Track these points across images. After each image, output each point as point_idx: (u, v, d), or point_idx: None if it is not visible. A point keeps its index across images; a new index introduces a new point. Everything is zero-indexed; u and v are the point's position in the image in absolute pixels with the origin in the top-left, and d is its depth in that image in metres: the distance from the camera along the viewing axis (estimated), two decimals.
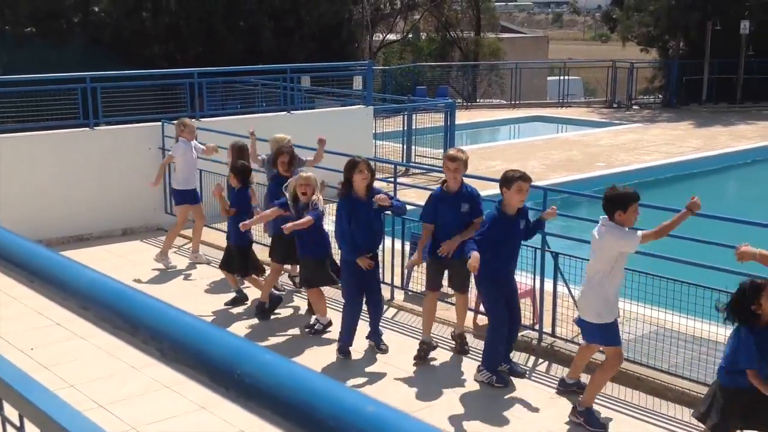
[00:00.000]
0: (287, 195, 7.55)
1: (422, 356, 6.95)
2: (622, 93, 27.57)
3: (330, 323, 7.63)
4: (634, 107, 26.99)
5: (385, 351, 7.14)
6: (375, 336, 7.19)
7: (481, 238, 6.20)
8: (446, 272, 7.06)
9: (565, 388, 6.28)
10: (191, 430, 5.64)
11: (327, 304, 7.75)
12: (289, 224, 7.24)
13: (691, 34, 27.55)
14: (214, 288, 8.90)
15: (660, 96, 28.83)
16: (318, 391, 0.78)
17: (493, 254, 6.15)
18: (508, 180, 6.30)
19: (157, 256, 9.72)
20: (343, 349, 7.02)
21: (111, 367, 6.54)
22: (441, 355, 7.11)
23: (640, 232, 5.64)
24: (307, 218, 7.17)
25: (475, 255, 6.04)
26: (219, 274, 8.83)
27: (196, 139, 10.07)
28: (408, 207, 7.85)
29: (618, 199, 5.64)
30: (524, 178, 6.30)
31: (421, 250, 6.92)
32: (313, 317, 7.83)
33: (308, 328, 7.69)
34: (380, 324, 7.33)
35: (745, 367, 4.84)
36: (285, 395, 0.77)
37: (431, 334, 7.12)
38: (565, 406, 6.12)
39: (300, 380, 0.78)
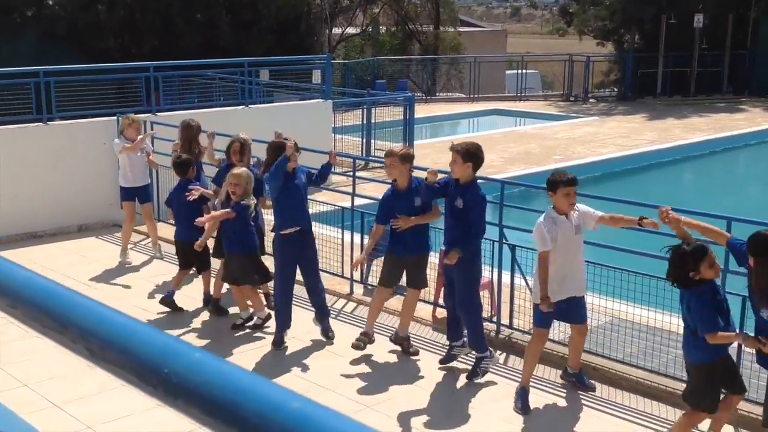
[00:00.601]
0: (221, 194, 7.50)
1: (359, 347, 6.93)
2: (578, 86, 27.85)
3: (269, 316, 7.55)
4: (591, 100, 27.29)
5: (331, 338, 7.19)
6: (321, 320, 7.24)
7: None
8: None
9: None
10: (148, 427, 5.60)
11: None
12: (205, 216, 7.23)
13: (646, 27, 27.92)
14: (165, 286, 8.79)
15: (616, 89, 29.19)
16: (245, 389, 0.78)
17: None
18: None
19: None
20: (276, 341, 7.12)
21: (66, 365, 6.45)
22: (388, 347, 7.12)
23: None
24: (225, 210, 7.13)
25: (455, 252, 6.13)
26: (173, 272, 8.68)
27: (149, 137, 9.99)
28: (368, 201, 7.87)
29: (549, 182, 6.01)
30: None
31: (368, 252, 7.15)
32: (241, 312, 7.67)
33: (242, 323, 7.55)
34: (332, 316, 7.38)
35: (706, 332, 4.85)
36: (212, 393, 0.77)
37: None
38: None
39: (227, 378, 0.78)
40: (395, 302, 7.54)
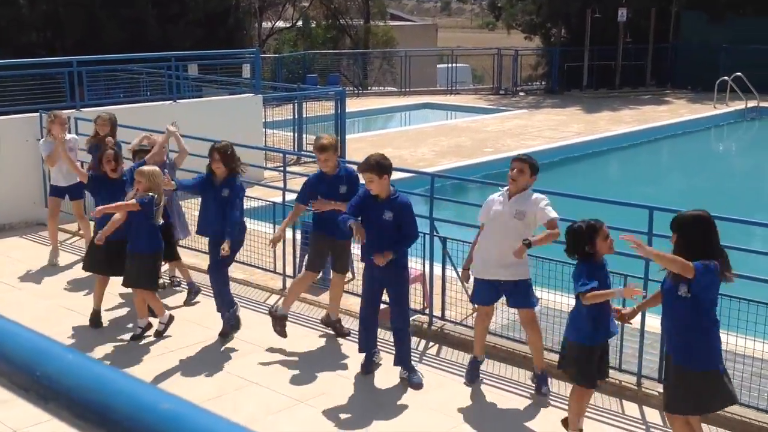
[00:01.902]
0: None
1: (277, 330, 7.00)
2: (508, 80, 28.22)
3: (171, 318, 7.36)
4: (521, 93, 27.68)
5: (233, 330, 7.15)
6: (225, 312, 7.20)
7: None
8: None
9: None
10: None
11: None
12: (108, 205, 7.09)
13: (572, 22, 28.46)
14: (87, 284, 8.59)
15: (544, 82, 29.67)
16: (117, 391, 0.78)
17: None
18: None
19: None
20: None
21: None
22: (318, 342, 7.13)
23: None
24: (129, 202, 7.02)
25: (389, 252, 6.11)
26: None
27: (68, 132, 9.72)
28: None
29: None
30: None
31: (283, 227, 7.22)
32: (139, 321, 7.38)
33: (141, 333, 7.29)
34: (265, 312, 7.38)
35: (580, 291, 5.13)
36: (84, 396, 0.77)
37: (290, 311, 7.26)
38: (454, 388, 6.25)
39: (100, 380, 0.78)
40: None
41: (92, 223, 8.39)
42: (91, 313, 7.51)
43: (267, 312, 7.27)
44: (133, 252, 7.13)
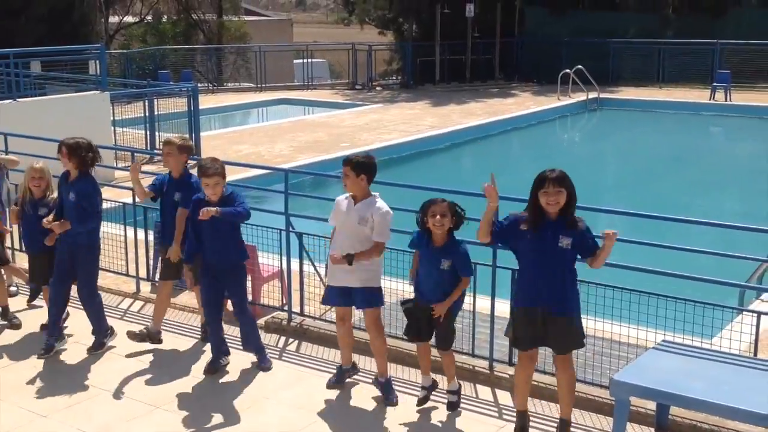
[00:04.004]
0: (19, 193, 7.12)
1: (138, 336, 6.88)
2: (363, 75, 28.50)
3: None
4: (377, 88, 28.02)
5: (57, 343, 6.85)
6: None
7: None
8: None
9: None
10: None
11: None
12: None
13: (423, 17, 29.06)
14: None
15: (398, 77, 30.16)
16: None
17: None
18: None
19: None
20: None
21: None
22: (171, 344, 7.03)
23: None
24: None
25: None
26: None
27: None
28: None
29: None
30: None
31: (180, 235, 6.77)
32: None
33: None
34: (118, 317, 7.15)
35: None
36: None
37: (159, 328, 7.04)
38: (313, 382, 6.28)
39: None
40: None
41: None
42: None
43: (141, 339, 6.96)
44: (38, 253, 7.17)
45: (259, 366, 6.52)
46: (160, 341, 6.96)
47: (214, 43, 34.44)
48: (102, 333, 6.87)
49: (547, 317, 5.10)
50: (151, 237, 8.35)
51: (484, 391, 6.08)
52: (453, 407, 5.81)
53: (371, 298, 5.91)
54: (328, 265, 6.05)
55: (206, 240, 6.24)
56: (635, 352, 5.85)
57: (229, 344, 6.70)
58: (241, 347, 6.64)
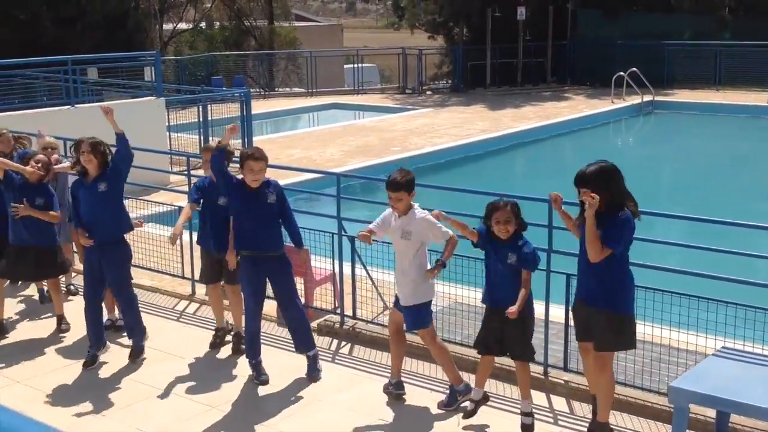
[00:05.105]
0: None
1: (218, 342, 6.98)
2: (414, 79, 28.49)
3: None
4: (427, 92, 27.99)
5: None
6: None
7: None
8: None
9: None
10: None
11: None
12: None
13: (473, 20, 28.94)
14: None
15: (449, 81, 30.07)
16: None
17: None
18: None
19: None
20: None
21: None
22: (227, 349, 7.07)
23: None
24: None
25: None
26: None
27: None
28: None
29: None
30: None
31: (178, 227, 6.75)
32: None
33: None
34: (175, 319, 7.22)
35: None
36: None
37: (226, 322, 7.13)
38: (366, 385, 6.29)
39: None
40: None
41: None
42: None
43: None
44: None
45: (308, 375, 6.41)
46: (229, 332, 7.05)
47: (266, 49, 34.79)
48: (140, 337, 6.86)
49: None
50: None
51: (539, 397, 6.01)
52: (527, 430, 5.57)
53: (417, 318, 5.81)
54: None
55: (250, 229, 6.16)
56: (694, 359, 5.73)
57: (280, 346, 6.74)
58: (294, 349, 6.63)
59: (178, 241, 6.79)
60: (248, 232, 6.19)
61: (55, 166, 7.77)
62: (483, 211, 5.61)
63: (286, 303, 6.47)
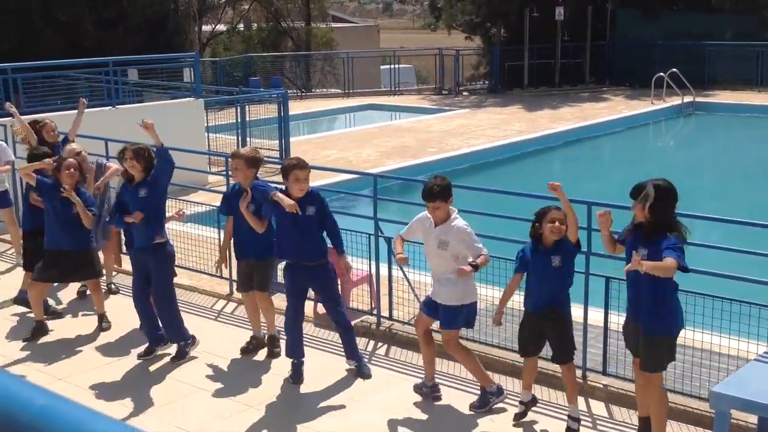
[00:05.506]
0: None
1: (250, 349, 6.99)
2: (450, 80, 28.42)
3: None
4: (464, 93, 27.90)
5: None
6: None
7: None
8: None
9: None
10: None
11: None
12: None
13: (511, 21, 28.77)
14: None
15: (486, 82, 29.94)
16: None
17: None
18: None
19: None
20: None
21: None
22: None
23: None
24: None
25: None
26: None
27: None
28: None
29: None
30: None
31: (224, 250, 7.12)
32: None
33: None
34: (213, 318, 7.26)
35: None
36: None
37: (262, 332, 7.09)
38: (402, 386, 6.29)
39: None
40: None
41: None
42: (36, 325, 7.41)
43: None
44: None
45: (358, 372, 6.50)
46: (265, 345, 7.03)
47: (303, 50, 34.95)
48: (184, 343, 6.92)
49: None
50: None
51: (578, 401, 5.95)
52: None
53: (450, 318, 5.83)
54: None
55: (293, 239, 6.22)
56: (736, 364, 5.64)
57: (316, 347, 6.77)
58: (344, 355, 6.65)
59: (216, 242, 6.84)
60: (291, 241, 6.25)
61: (108, 172, 8.01)
62: (520, 212, 5.61)
63: (329, 310, 6.57)
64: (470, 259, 5.62)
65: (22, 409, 0.78)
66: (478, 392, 5.98)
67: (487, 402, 5.88)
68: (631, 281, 5.08)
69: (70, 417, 0.77)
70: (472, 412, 5.86)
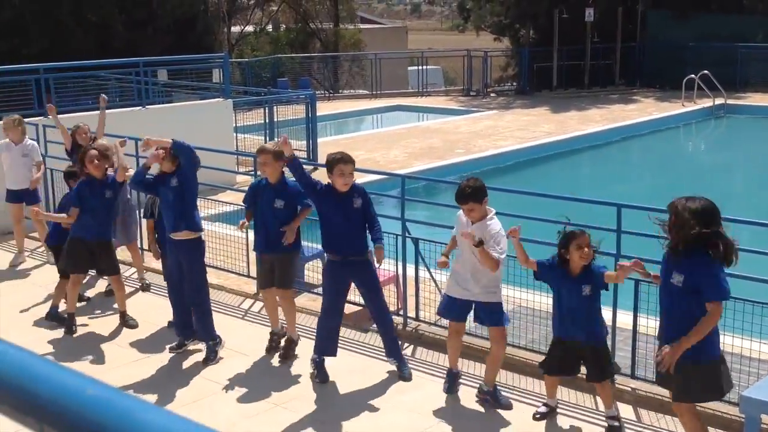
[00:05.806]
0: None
1: (273, 347, 7.00)
2: (479, 81, 28.34)
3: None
4: (492, 95, 27.80)
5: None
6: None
7: None
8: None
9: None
10: None
11: None
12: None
13: (540, 22, 28.63)
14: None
15: (514, 83, 29.81)
16: (41, 377, 0.79)
17: None
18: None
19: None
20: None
21: None
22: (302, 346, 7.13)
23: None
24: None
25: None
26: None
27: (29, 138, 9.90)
28: None
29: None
30: (344, 159, 6.16)
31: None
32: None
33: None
34: (240, 317, 7.28)
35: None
36: (8, 383, 0.78)
37: (280, 326, 7.10)
38: (429, 387, 6.28)
39: (23, 367, 0.80)
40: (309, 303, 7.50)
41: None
42: (69, 318, 7.49)
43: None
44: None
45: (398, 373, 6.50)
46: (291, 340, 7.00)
47: (331, 51, 35.03)
48: (213, 344, 6.90)
49: None
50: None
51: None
52: None
53: (497, 316, 5.87)
54: (451, 274, 6.05)
55: (338, 233, 6.26)
56: (766, 368, 5.57)
57: (343, 346, 6.78)
58: (385, 356, 6.66)
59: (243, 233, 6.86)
60: (336, 235, 6.28)
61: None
62: (547, 214, 5.57)
63: (373, 304, 6.53)
64: (487, 246, 5.59)
65: (73, 398, 0.79)
66: (512, 393, 6.00)
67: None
68: (664, 300, 4.97)
69: (120, 406, 0.78)
70: (493, 412, 5.84)
